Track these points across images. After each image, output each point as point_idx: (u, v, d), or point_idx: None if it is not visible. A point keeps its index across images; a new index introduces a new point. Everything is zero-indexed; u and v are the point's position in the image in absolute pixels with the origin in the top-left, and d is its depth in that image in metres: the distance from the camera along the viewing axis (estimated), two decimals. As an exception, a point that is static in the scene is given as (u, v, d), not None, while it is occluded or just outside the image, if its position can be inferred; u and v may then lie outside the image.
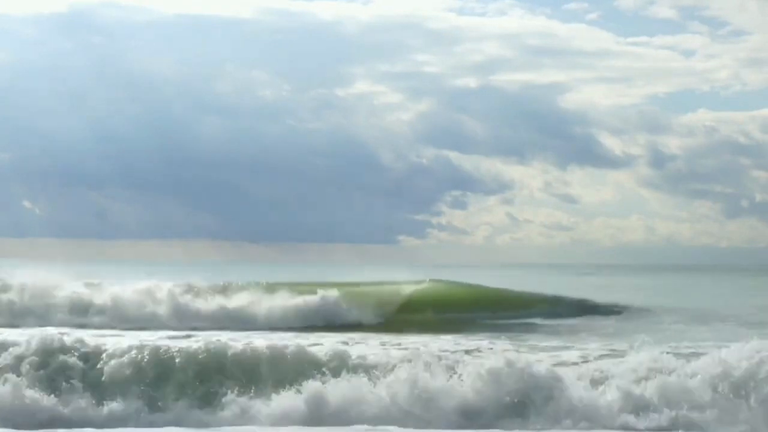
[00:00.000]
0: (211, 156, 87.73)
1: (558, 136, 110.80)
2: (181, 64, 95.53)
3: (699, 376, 10.59)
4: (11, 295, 21.43)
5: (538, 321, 22.23)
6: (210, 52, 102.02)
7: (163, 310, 20.98)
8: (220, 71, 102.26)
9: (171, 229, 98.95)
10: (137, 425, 10.58)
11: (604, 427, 10.08)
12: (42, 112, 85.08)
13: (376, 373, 11.04)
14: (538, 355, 13.43)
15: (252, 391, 10.98)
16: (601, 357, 13.49)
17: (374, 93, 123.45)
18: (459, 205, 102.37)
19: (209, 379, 11.27)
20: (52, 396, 11.00)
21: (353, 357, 11.79)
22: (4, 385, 11.00)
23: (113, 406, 10.88)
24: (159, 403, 10.93)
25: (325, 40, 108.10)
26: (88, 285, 23.03)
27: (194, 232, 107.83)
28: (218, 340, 12.52)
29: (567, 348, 15.18)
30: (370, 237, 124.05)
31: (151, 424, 10.51)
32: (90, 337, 13.07)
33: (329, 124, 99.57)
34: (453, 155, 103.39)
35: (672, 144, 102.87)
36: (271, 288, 22.64)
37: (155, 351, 11.86)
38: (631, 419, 10.16)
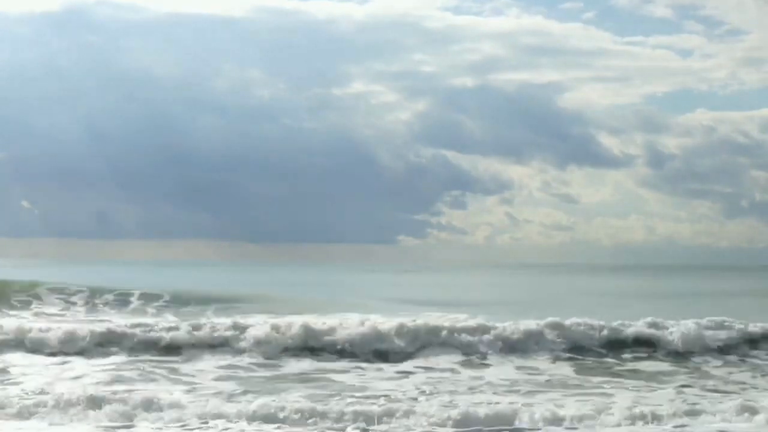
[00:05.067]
0: (209, 156, 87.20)
1: (556, 136, 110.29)
2: (177, 63, 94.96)
3: None
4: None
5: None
6: (205, 51, 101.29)
7: None
8: (216, 70, 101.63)
9: (170, 229, 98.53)
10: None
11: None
12: (38, 112, 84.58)
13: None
14: None
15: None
16: None
17: (371, 92, 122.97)
18: (458, 205, 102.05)
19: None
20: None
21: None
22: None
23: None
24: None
25: (320, 39, 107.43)
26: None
27: (194, 232, 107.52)
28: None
29: None
30: (370, 237, 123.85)
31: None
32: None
33: (327, 123, 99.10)
34: (451, 155, 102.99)
35: (670, 144, 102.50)
36: None
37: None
38: None
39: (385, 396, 13.04)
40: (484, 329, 18.27)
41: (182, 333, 17.26)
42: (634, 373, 16.19)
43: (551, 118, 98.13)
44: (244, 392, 13.23)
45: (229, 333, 17.30)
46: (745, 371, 16.66)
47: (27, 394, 12.52)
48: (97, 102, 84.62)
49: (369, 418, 11.07)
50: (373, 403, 12.03)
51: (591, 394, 13.71)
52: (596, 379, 15.35)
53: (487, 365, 16.68)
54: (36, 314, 21.84)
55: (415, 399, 12.87)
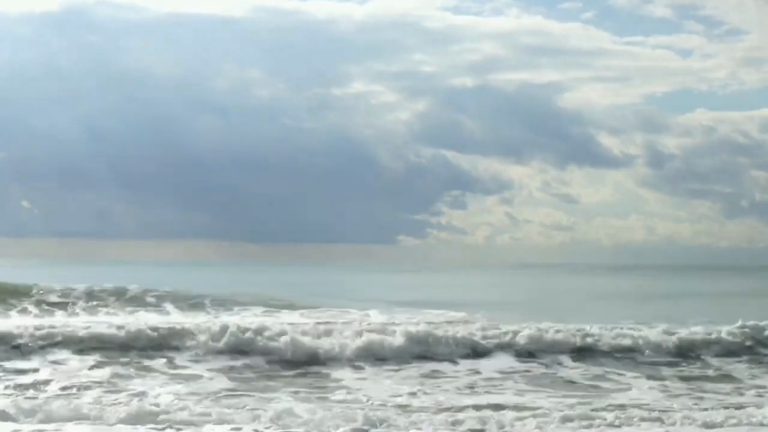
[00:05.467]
0: (208, 156, 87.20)
1: (556, 136, 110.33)
2: (177, 63, 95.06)
3: None
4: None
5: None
6: (205, 51, 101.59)
7: None
8: (216, 70, 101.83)
9: (170, 229, 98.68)
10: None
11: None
12: (38, 112, 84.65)
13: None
14: None
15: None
16: None
17: (371, 92, 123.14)
18: (458, 205, 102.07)
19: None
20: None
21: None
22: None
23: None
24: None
25: (320, 39, 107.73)
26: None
27: (194, 232, 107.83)
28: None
29: None
30: (370, 237, 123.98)
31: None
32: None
33: (326, 123, 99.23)
34: (451, 155, 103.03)
35: (670, 144, 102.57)
36: None
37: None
38: None
39: (383, 397, 13.02)
40: (485, 329, 18.18)
41: (178, 331, 17.18)
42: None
43: (551, 118, 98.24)
44: (238, 393, 13.22)
45: (228, 332, 17.14)
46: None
47: (22, 393, 12.52)
48: (97, 102, 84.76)
49: (366, 420, 11.04)
50: (369, 405, 12.03)
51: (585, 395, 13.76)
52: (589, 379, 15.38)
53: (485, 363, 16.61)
54: (37, 302, 21.79)
55: (411, 400, 12.86)
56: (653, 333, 18.43)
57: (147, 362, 15.46)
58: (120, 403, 11.70)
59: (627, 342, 17.94)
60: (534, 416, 11.26)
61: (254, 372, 15.31)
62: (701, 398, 13.51)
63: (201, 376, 14.66)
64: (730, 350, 17.90)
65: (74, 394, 12.64)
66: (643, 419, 11.33)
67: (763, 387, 14.70)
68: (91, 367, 14.92)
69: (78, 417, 10.93)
